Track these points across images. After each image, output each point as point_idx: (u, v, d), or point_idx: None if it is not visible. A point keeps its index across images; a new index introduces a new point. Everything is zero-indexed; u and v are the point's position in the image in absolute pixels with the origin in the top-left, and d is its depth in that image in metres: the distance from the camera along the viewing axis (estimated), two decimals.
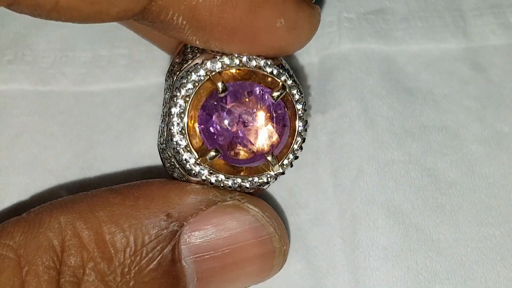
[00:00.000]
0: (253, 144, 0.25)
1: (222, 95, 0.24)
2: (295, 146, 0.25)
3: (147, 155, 0.30)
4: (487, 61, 0.31)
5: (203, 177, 0.25)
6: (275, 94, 0.25)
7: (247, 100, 0.25)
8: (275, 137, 0.25)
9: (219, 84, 0.24)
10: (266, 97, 0.25)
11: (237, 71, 0.24)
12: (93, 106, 0.31)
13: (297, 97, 0.25)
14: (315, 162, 0.30)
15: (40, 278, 0.22)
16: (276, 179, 0.26)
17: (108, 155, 0.30)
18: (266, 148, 0.25)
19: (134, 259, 0.23)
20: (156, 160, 0.30)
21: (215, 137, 0.24)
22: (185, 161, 0.24)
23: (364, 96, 0.30)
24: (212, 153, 0.24)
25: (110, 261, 0.23)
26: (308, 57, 0.32)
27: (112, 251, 0.23)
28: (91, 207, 0.23)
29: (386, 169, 0.29)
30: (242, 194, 0.25)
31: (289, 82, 0.25)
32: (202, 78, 0.24)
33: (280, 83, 0.25)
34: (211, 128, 0.24)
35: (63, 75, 0.32)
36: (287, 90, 0.25)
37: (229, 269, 0.25)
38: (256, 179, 0.25)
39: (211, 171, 0.25)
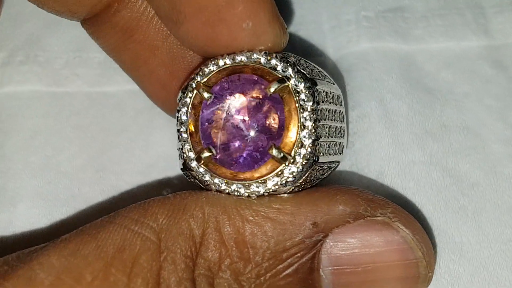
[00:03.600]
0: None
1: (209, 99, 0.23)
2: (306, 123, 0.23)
3: (163, 158, 0.30)
4: (509, 59, 0.31)
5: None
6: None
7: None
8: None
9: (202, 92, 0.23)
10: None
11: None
12: (108, 108, 0.31)
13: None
14: None
15: (177, 266, 0.21)
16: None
17: (123, 157, 0.30)
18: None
19: (272, 263, 0.22)
20: (171, 163, 0.30)
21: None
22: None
23: (384, 96, 0.30)
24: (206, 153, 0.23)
25: (247, 262, 0.22)
26: (325, 56, 0.31)
27: (251, 253, 0.22)
28: (237, 202, 0.23)
29: (407, 170, 0.29)
30: (395, 211, 0.24)
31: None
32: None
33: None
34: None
35: (77, 76, 0.31)
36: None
37: (367, 286, 0.23)
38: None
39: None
